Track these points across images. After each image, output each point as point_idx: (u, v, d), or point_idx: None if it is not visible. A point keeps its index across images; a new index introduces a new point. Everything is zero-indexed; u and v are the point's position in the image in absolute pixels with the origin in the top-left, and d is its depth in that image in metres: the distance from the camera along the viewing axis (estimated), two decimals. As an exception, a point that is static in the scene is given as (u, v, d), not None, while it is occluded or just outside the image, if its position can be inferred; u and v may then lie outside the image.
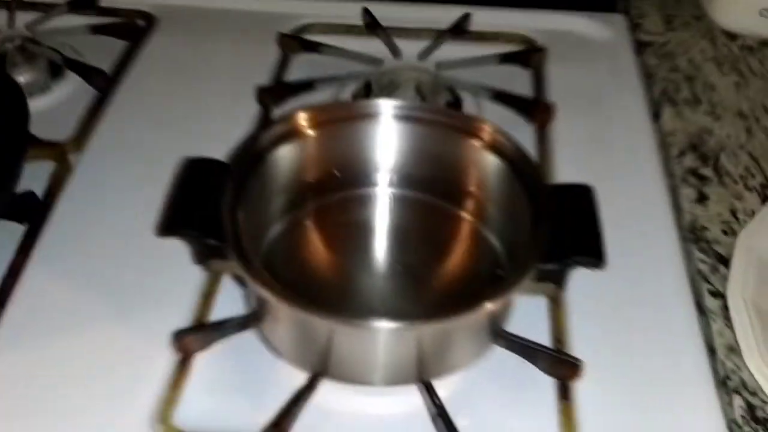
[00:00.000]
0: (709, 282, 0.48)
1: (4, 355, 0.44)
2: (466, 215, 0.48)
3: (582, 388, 0.43)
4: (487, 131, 0.45)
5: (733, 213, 0.52)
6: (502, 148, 0.44)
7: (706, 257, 0.50)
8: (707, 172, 0.56)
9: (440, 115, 0.46)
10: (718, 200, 0.53)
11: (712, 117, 0.61)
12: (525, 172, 0.43)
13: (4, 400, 0.42)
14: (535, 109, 0.62)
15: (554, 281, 0.42)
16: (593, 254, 0.40)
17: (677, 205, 0.54)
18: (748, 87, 0.64)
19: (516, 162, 0.43)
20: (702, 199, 0.53)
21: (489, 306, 0.36)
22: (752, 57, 0.68)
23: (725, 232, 0.51)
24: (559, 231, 0.40)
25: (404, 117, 0.46)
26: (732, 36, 0.71)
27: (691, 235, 0.51)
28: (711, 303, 0.47)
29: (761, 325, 0.44)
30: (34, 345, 0.45)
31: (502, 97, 0.62)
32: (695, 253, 0.50)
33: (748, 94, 0.64)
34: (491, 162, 0.44)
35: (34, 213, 0.52)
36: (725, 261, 0.49)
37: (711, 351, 0.46)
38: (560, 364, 0.42)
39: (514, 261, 0.38)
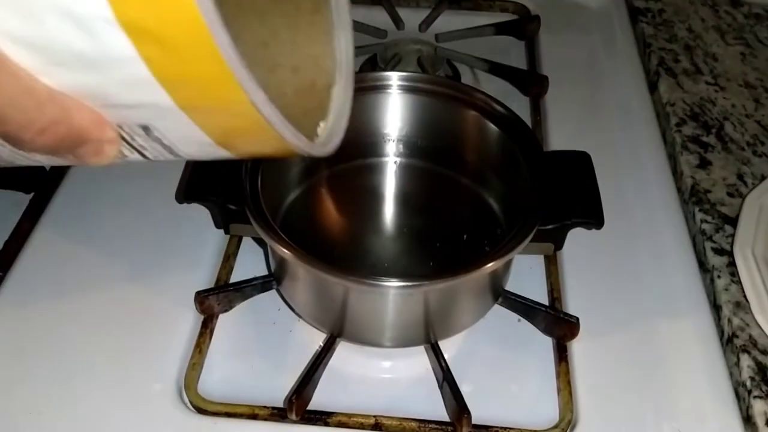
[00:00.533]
0: (712, 240, 0.49)
1: (16, 318, 0.45)
2: (468, 182, 0.50)
3: (580, 350, 0.44)
4: (486, 102, 0.47)
5: (740, 177, 0.53)
6: (500, 118, 0.46)
7: (710, 218, 0.50)
8: (710, 139, 0.57)
9: (443, 86, 0.48)
10: (724, 165, 0.54)
11: (714, 87, 0.62)
12: (523, 140, 0.45)
13: (21, 362, 0.43)
14: (529, 81, 0.64)
15: (553, 241, 0.44)
16: (592, 214, 0.43)
17: (678, 171, 0.56)
18: (756, 57, 0.64)
19: (514, 130, 0.46)
20: (704, 164, 0.54)
21: (494, 264, 0.38)
22: (760, 26, 0.68)
23: (731, 195, 0.52)
24: (559, 193, 0.42)
25: (410, 88, 0.48)
26: (736, 3, 0.70)
27: (693, 198, 0.52)
28: (715, 260, 0.48)
29: None
30: (49, 307, 0.46)
31: (498, 70, 0.64)
32: (697, 214, 0.51)
33: (756, 64, 0.64)
34: (491, 131, 0.46)
35: (40, 183, 0.54)
36: (731, 221, 0.50)
37: (716, 308, 0.46)
38: (558, 323, 0.44)
39: (515, 223, 0.40)
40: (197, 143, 0.25)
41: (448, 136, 0.49)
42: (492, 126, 0.46)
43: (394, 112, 0.49)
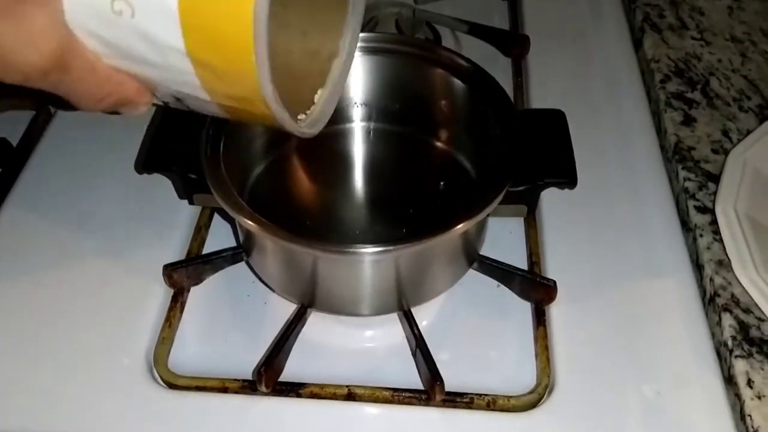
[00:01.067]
0: (695, 198, 0.48)
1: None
2: (439, 144, 0.48)
3: (559, 314, 0.43)
4: (452, 59, 0.45)
5: (725, 133, 0.52)
6: (469, 75, 0.45)
7: (693, 175, 0.49)
8: (695, 96, 0.55)
9: (407, 45, 0.46)
10: (708, 122, 0.53)
11: (700, 42, 0.60)
12: (493, 98, 0.43)
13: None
14: (511, 41, 0.62)
15: (526, 203, 0.43)
16: (565, 173, 0.41)
17: (662, 129, 0.54)
18: (743, 10, 0.63)
19: (484, 88, 0.44)
20: (688, 121, 0.53)
21: (462, 226, 0.37)
22: (748, -22, 0.65)
23: (715, 151, 0.51)
24: (531, 152, 0.41)
25: (373, 50, 0.47)
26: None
27: (676, 156, 0.51)
28: (698, 218, 0.47)
29: (755, 238, 0.42)
30: (20, 282, 0.45)
31: (478, 31, 0.62)
32: (680, 172, 0.50)
33: (743, 17, 0.62)
34: (460, 89, 0.45)
35: (7, 160, 0.53)
36: (715, 178, 0.48)
37: (698, 268, 0.45)
38: (535, 286, 0.43)
39: (488, 184, 0.39)
40: (213, 113, 0.31)
41: (414, 97, 0.48)
42: (461, 84, 0.44)
43: (358, 76, 0.48)
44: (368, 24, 0.62)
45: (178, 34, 0.25)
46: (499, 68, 0.61)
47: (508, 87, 0.53)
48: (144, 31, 0.26)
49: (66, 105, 0.31)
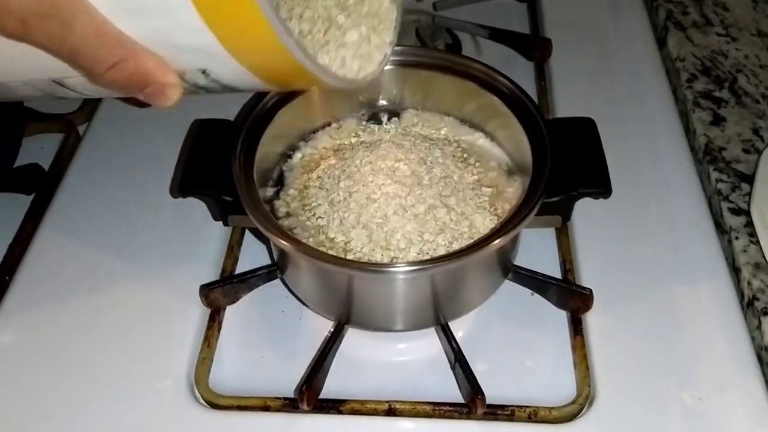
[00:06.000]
0: (729, 200, 0.47)
1: (23, 321, 0.45)
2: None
3: (595, 322, 0.43)
4: (485, 72, 0.45)
5: (756, 132, 0.52)
6: (500, 88, 0.45)
7: (726, 176, 0.49)
8: (723, 94, 0.55)
9: (438, 58, 0.46)
10: (738, 121, 0.52)
11: (726, 39, 0.59)
12: (524, 109, 0.43)
13: (30, 366, 0.43)
14: (532, 45, 0.62)
15: (561, 213, 0.43)
16: (599, 183, 0.41)
17: (690, 129, 0.54)
18: None
19: (514, 100, 0.44)
20: (718, 121, 0.53)
21: (499, 242, 0.37)
22: (771, -30, 0.64)
23: (747, 151, 0.50)
24: (563, 163, 0.41)
25: (401, 63, 0.47)
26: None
27: (707, 157, 0.50)
28: (732, 220, 0.46)
29: None
30: (58, 307, 0.46)
31: (499, 36, 0.62)
32: (712, 173, 0.49)
33: None
34: (490, 102, 0.45)
35: (39, 184, 0.54)
36: (748, 179, 0.48)
37: (735, 271, 0.45)
38: (571, 295, 0.43)
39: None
40: (249, 82, 0.30)
41: (447, 108, 0.48)
42: (490, 95, 0.44)
43: (392, 87, 0.48)
44: (389, 33, 0.62)
45: None
46: (520, 72, 0.61)
47: (531, 91, 0.53)
48: None
49: (134, 101, 0.31)
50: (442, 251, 0.40)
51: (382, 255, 0.40)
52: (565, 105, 0.57)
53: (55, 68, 0.30)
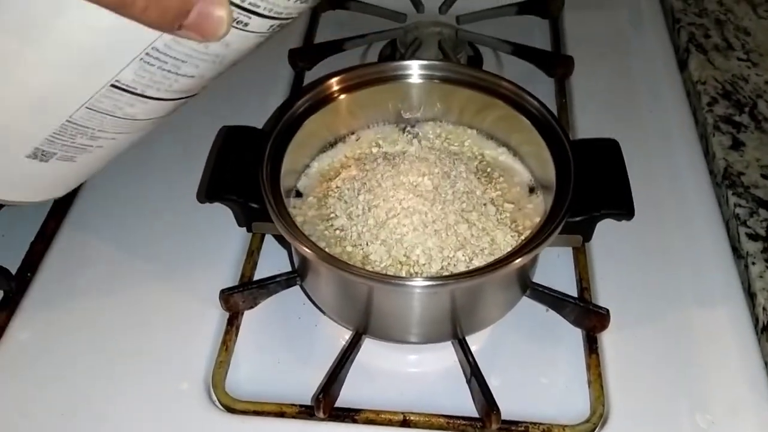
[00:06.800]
0: (747, 225, 0.48)
1: (43, 318, 0.45)
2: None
3: (611, 341, 0.44)
4: (511, 90, 0.46)
5: (777, 158, 0.51)
6: (527, 107, 0.45)
7: (744, 201, 0.49)
8: (743, 119, 0.55)
9: (465, 74, 0.47)
10: (757, 146, 0.53)
11: (747, 63, 0.59)
12: (549, 129, 0.44)
13: (50, 364, 0.43)
14: (554, 62, 0.62)
15: (582, 233, 0.43)
16: (622, 205, 0.42)
17: (710, 153, 0.54)
18: None
19: (540, 119, 0.44)
20: (737, 145, 0.53)
21: (521, 260, 0.37)
22: (794, -4, 0.65)
23: (765, 177, 0.50)
24: (587, 184, 0.41)
25: (425, 76, 0.47)
26: (768, -28, 0.67)
27: (726, 181, 0.51)
28: (750, 246, 0.47)
29: None
30: (76, 308, 0.46)
31: (522, 52, 0.63)
32: (730, 198, 0.50)
33: None
34: (516, 119, 0.45)
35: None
36: (765, 204, 0.48)
37: (750, 296, 0.45)
38: (588, 314, 0.44)
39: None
40: None
41: (471, 123, 0.49)
42: (516, 114, 0.45)
43: (416, 100, 0.48)
44: (411, 45, 0.63)
45: None
46: (540, 88, 0.61)
47: (551, 107, 0.53)
48: None
49: None
50: (462, 266, 0.41)
51: (401, 269, 0.41)
52: (585, 122, 0.58)
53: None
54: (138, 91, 0.32)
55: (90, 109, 0.33)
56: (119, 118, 0.34)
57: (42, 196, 0.41)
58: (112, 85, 0.32)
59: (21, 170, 0.37)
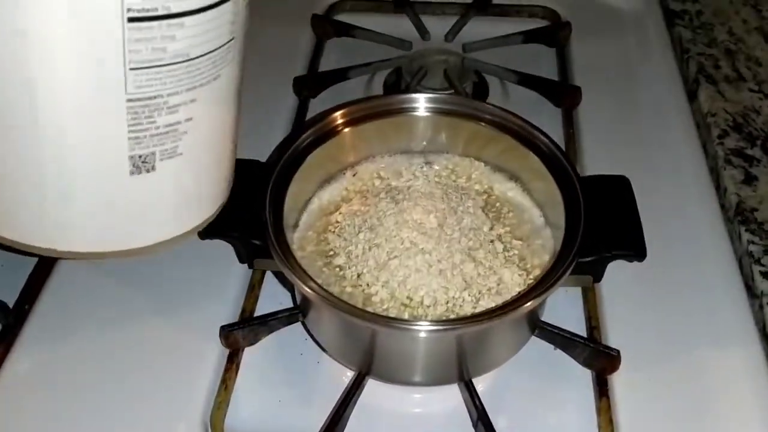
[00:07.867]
0: (761, 263, 0.47)
1: (41, 351, 0.45)
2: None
3: (622, 383, 0.42)
4: (521, 126, 0.45)
5: (791, 193, 0.50)
6: (535, 142, 0.44)
7: (758, 238, 0.48)
8: (755, 152, 0.54)
9: (472, 108, 0.46)
10: (771, 181, 0.51)
11: (758, 95, 0.58)
12: (558, 165, 0.43)
13: (46, 398, 0.43)
14: (562, 92, 0.61)
15: (592, 273, 0.42)
16: (633, 246, 0.41)
17: (721, 187, 0.53)
18: None
19: (549, 155, 0.44)
20: (749, 179, 0.52)
21: (531, 304, 0.36)
22: (807, 26, 0.64)
23: (780, 213, 0.49)
24: (597, 224, 0.40)
25: (432, 110, 0.47)
26: (780, 2, 0.67)
27: (738, 217, 0.50)
28: (764, 285, 0.46)
29: None
30: (74, 343, 0.45)
31: (528, 81, 0.62)
32: (743, 234, 0.49)
33: None
34: (524, 155, 0.45)
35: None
36: (781, 242, 0.47)
37: (765, 337, 0.44)
38: (598, 355, 0.42)
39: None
40: None
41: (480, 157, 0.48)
42: (525, 150, 0.44)
43: (422, 133, 0.48)
44: (417, 73, 0.62)
45: None
46: (547, 117, 0.60)
47: (558, 138, 0.53)
48: None
49: None
50: (468, 307, 0.40)
51: (404, 311, 0.40)
52: (593, 153, 0.57)
53: None
54: (160, 12, 0.29)
55: (135, 68, 0.30)
56: (174, 65, 0.31)
57: (194, 219, 0.37)
58: (130, 19, 0.28)
59: (141, 196, 0.33)
